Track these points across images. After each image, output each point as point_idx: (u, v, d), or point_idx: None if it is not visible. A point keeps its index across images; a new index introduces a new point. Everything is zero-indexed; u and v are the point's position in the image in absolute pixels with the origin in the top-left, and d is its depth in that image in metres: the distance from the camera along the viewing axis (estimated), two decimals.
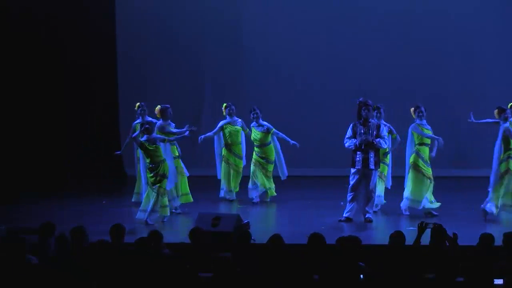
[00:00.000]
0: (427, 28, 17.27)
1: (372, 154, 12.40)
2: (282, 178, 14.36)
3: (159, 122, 13.18)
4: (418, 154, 12.77)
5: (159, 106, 13.39)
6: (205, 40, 17.74)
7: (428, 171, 12.81)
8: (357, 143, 12.39)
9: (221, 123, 14.24)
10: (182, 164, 13.44)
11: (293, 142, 14.02)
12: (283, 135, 14.13)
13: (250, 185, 14.17)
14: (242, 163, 14.34)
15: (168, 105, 13.40)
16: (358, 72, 16.73)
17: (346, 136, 12.54)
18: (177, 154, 13.36)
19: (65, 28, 16.68)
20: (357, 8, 17.46)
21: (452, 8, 17.31)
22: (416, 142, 12.81)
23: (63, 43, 16.73)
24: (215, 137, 14.30)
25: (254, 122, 14.16)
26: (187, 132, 12.87)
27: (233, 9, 17.77)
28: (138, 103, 14.00)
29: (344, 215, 12.48)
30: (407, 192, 12.83)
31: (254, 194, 14.14)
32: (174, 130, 13.14)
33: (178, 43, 17.72)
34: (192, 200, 13.41)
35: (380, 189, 13.10)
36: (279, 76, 17.62)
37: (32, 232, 9.52)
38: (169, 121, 13.31)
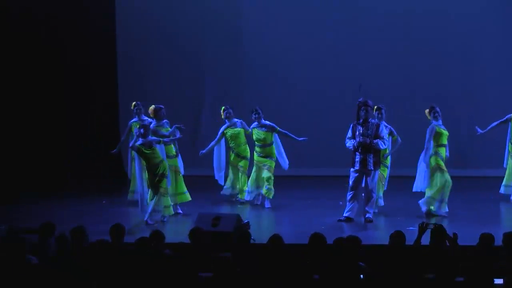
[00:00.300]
0: (427, 28, 17.23)
1: (370, 155, 12.37)
2: (286, 168, 14.27)
3: (153, 124, 13.10)
4: (438, 155, 12.74)
5: (153, 106, 13.35)
6: (205, 40, 17.72)
7: None
8: (355, 145, 12.38)
9: (221, 129, 14.06)
10: (178, 163, 13.40)
11: (301, 138, 13.93)
12: (288, 133, 14.02)
13: (252, 187, 14.10)
14: (248, 163, 14.25)
15: (162, 106, 13.37)
16: (358, 72, 16.67)
17: (347, 137, 12.54)
18: (174, 153, 13.32)
19: (65, 28, 16.68)
20: (357, 8, 17.43)
21: (452, 8, 17.27)
22: (435, 144, 12.77)
23: (63, 43, 16.73)
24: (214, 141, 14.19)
25: (256, 123, 14.01)
26: (177, 133, 12.86)
27: (233, 9, 17.74)
28: (134, 102, 14.05)
29: (344, 214, 12.46)
30: (432, 193, 12.67)
31: (254, 196, 14.09)
32: (166, 133, 13.09)
33: (178, 43, 17.70)
34: (190, 198, 13.32)
35: (379, 192, 13.04)
36: (279, 76, 17.59)
37: (32, 232, 9.52)
38: (163, 121, 13.27)
